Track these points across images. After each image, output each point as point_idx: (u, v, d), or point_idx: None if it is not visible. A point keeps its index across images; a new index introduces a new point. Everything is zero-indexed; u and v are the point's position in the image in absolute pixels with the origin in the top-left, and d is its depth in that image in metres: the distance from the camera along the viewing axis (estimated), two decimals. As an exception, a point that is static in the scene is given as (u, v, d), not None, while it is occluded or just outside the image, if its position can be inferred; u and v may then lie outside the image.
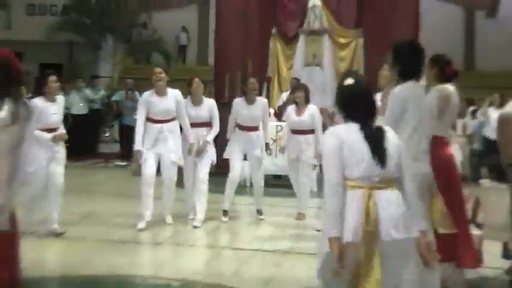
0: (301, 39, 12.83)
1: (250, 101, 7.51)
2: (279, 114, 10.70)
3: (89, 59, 17.26)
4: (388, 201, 3.04)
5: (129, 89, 13.81)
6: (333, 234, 3.00)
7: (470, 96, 12.03)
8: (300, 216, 7.62)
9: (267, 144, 7.81)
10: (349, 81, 3.29)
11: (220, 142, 8.17)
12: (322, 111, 7.64)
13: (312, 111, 7.52)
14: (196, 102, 7.38)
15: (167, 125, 7.03)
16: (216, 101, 7.71)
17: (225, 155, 7.64)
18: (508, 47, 17.07)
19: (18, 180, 2.98)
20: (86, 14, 16.97)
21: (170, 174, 7.11)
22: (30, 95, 6.85)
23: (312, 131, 7.52)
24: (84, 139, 14.00)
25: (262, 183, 7.70)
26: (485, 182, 5.59)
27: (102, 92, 14.90)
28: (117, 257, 5.74)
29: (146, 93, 7.19)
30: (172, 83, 7.35)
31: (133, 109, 12.48)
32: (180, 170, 7.32)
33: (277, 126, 10.19)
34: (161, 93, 7.03)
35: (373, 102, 3.30)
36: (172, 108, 7.05)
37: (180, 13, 19.41)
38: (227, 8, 13.22)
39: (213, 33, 14.20)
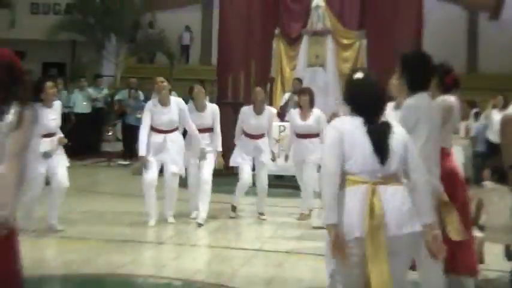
0: (305, 40, 12.81)
1: (258, 111, 7.57)
2: (281, 114, 10.71)
3: (92, 58, 17.26)
4: (393, 196, 3.03)
5: (132, 88, 13.83)
6: (330, 221, 3.00)
7: (473, 98, 12.00)
8: (303, 217, 7.63)
9: (272, 152, 7.86)
10: (359, 75, 3.29)
11: (223, 144, 8.17)
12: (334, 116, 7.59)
13: (316, 115, 7.49)
14: (200, 108, 7.45)
15: (170, 135, 7.15)
16: (219, 101, 7.75)
17: (232, 163, 7.68)
18: (511, 49, 17.04)
19: (26, 183, 2.99)
20: (90, 13, 16.98)
21: (172, 183, 7.23)
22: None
23: (317, 135, 7.51)
24: (86, 138, 14.06)
25: (266, 185, 7.72)
26: (488, 184, 5.58)
27: (105, 91, 14.93)
28: (118, 256, 5.74)
29: (150, 102, 7.30)
30: (175, 83, 7.38)
31: (136, 108, 12.54)
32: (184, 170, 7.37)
33: (280, 126, 10.20)
34: (165, 102, 7.13)
35: (381, 99, 3.27)
36: (175, 118, 7.17)
37: (183, 13, 19.40)
38: (231, 8, 13.24)
39: (216, 33, 14.21)
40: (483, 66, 18.52)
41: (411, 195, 3.09)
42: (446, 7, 17.56)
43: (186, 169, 7.40)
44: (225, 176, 8.42)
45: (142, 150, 7.01)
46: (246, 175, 7.53)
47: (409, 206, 3.05)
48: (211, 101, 8.10)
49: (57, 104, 6.74)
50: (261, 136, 7.66)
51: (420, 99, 3.97)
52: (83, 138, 13.65)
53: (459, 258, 4.42)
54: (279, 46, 13.16)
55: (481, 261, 5.30)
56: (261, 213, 7.74)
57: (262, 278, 5.21)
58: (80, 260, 5.57)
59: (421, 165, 3.23)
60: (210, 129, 7.45)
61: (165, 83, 7.14)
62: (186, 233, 6.96)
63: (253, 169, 7.76)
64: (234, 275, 5.25)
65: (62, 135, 6.76)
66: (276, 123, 9.95)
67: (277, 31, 13.12)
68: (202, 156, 7.30)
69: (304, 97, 7.58)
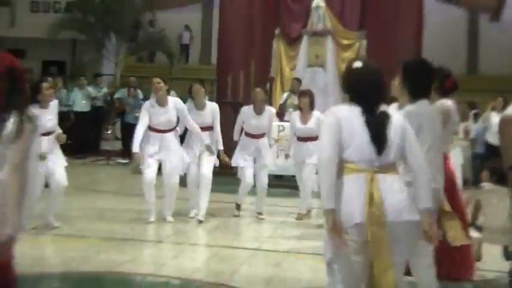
0: (305, 40, 12.82)
1: (258, 112, 7.58)
2: (280, 114, 10.71)
3: (92, 57, 17.26)
4: (391, 185, 3.03)
5: (131, 86, 13.83)
6: (328, 206, 3.00)
7: (473, 100, 12.01)
8: (300, 216, 7.64)
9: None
10: (358, 64, 3.28)
11: (223, 144, 8.19)
12: None
13: (317, 117, 7.45)
14: (199, 107, 7.46)
15: (168, 134, 7.18)
16: (219, 101, 7.77)
17: (233, 163, 7.69)
18: (512, 50, 17.07)
19: (28, 194, 2.90)
20: (90, 12, 16.99)
21: (171, 181, 7.23)
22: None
23: (317, 137, 7.47)
24: (86, 136, 14.08)
25: (266, 185, 7.73)
26: (486, 185, 5.59)
27: (104, 90, 14.94)
28: (117, 255, 5.75)
29: (148, 102, 7.32)
30: (175, 82, 7.39)
31: (136, 107, 12.52)
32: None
33: (279, 126, 10.20)
34: (162, 102, 7.15)
35: (380, 88, 3.22)
36: (173, 119, 7.20)
37: (183, 12, 19.40)
38: (231, 8, 13.26)
39: (216, 33, 14.22)
40: (483, 67, 18.52)
41: (410, 182, 3.08)
42: (447, 8, 17.56)
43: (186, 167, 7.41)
44: (225, 175, 8.42)
45: (135, 147, 7.01)
46: (248, 179, 7.56)
47: (407, 195, 3.05)
48: (210, 101, 8.10)
49: (54, 104, 6.74)
50: (261, 136, 7.68)
51: (422, 106, 3.95)
52: (82, 137, 13.68)
53: (458, 262, 4.44)
54: (279, 46, 13.17)
55: (478, 259, 5.33)
56: (260, 213, 7.75)
57: (261, 277, 5.22)
58: (79, 258, 5.57)
59: (420, 152, 3.22)
60: (210, 128, 7.46)
61: (162, 84, 7.15)
62: (185, 232, 6.97)
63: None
64: (233, 274, 5.25)
65: (60, 131, 6.77)
66: (275, 123, 9.95)
67: (277, 31, 13.13)
68: (208, 149, 7.31)
69: (305, 99, 7.56)
